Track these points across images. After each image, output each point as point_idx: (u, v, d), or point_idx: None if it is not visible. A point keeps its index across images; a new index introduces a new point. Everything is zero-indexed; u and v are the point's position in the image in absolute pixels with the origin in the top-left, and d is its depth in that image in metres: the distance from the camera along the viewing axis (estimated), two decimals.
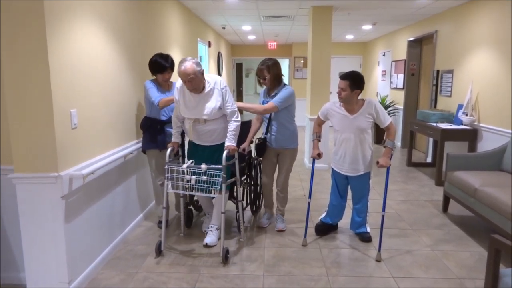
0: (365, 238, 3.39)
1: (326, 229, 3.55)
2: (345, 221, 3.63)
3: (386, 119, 3.21)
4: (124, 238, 3.38)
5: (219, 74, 9.14)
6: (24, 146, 2.33)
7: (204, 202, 3.53)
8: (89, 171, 2.56)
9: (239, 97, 14.40)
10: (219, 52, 9.13)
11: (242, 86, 14.78)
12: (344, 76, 3.16)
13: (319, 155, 3.30)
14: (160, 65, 3.38)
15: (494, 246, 2.04)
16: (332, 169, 3.47)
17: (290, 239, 3.44)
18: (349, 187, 3.44)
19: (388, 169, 3.21)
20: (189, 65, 2.89)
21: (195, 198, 3.90)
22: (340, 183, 3.43)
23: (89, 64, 2.76)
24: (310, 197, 3.39)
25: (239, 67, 14.04)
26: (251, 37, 9.82)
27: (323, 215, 3.61)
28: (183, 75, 2.89)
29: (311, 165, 3.62)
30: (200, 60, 7.17)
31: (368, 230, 3.43)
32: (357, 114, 3.20)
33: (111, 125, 3.12)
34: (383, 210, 3.13)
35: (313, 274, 2.85)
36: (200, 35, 6.94)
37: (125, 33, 3.40)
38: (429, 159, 6.42)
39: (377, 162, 3.14)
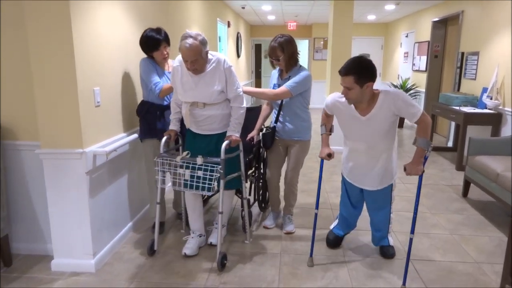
0: (388, 254, 2.81)
1: (339, 241, 3.00)
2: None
3: (415, 112, 2.32)
4: (145, 214, 3.47)
5: (238, 55, 9.10)
6: (50, 123, 2.41)
7: (192, 217, 2.88)
8: (112, 149, 2.62)
9: (258, 78, 14.32)
10: (238, 33, 9.06)
11: (260, 67, 14.67)
12: (345, 71, 2.28)
13: (330, 156, 2.64)
14: (153, 39, 2.84)
15: None
16: (343, 176, 2.86)
17: (307, 220, 3.47)
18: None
19: (420, 177, 2.40)
20: (194, 44, 2.39)
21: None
22: (353, 193, 2.80)
23: (111, 44, 2.79)
24: (317, 207, 2.76)
25: (258, 48, 13.92)
26: (271, 18, 9.70)
27: (335, 223, 3.08)
28: (186, 55, 2.42)
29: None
30: (219, 40, 7.13)
31: (391, 243, 2.88)
32: (371, 114, 2.40)
33: (132, 105, 3.16)
34: (412, 231, 2.46)
35: (329, 254, 2.88)
36: (219, 15, 6.89)
37: (146, 13, 3.41)
38: (450, 144, 6.31)
39: (405, 168, 2.37)
